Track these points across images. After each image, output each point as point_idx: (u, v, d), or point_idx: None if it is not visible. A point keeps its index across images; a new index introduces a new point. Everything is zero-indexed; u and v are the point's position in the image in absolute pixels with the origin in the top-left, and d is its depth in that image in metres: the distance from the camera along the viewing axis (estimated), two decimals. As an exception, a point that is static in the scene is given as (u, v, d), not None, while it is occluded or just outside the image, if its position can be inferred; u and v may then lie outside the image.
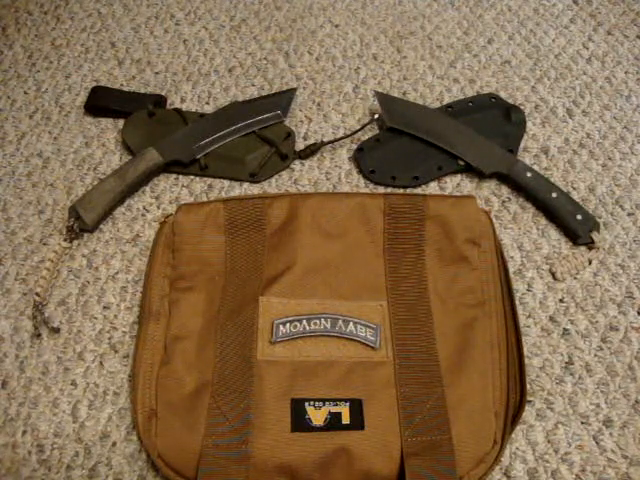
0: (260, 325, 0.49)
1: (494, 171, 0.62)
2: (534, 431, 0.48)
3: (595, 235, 0.57)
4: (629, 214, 0.60)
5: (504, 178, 0.62)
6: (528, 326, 0.54)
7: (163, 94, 0.71)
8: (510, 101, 0.69)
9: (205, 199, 0.63)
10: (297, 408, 0.45)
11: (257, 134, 0.65)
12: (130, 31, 0.79)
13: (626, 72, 0.72)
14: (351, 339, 0.48)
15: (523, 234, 0.59)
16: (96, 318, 0.55)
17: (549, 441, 0.48)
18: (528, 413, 0.49)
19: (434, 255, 0.53)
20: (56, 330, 0.54)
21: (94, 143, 0.68)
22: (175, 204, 0.62)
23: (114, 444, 0.48)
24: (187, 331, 0.50)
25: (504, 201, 0.62)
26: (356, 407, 0.45)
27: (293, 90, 0.69)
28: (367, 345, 0.48)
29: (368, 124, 0.65)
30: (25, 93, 0.73)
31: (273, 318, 0.49)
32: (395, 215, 0.53)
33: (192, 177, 0.64)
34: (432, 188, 0.63)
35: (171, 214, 0.56)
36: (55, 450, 0.48)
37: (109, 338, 0.54)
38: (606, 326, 0.53)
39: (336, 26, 0.78)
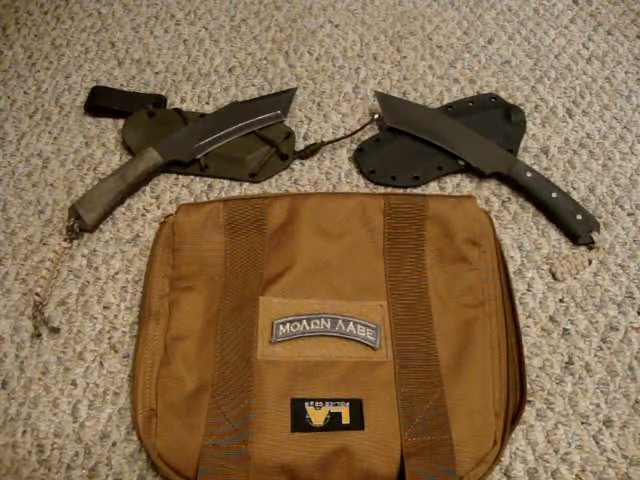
0: (260, 325, 0.48)
1: (494, 171, 0.62)
2: (534, 431, 0.48)
3: (595, 235, 0.57)
4: (629, 214, 0.60)
5: (504, 178, 0.62)
6: (528, 326, 0.54)
7: (163, 94, 0.71)
8: (510, 101, 0.69)
9: (205, 199, 0.62)
10: (297, 408, 0.45)
11: (257, 134, 0.65)
12: (130, 31, 0.79)
13: (626, 72, 0.72)
14: (351, 339, 0.48)
15: (523, 234, 0.59)
16: (96, 318, 0.55)
17: (549, 441, 0.48)
18: (528, 413, 0.49)
19: (434, 255, 0.53)
20: (56, 330, 0.54)
21: (94, 143, 0.68)
22: (175, 204, 0.62)
23: (114, 444, 0.48)
24: (187, 331, 0.50)
25: (504, 201, 0.62)
26: (356, 407, 0.45)
27: (293, 90, 0.69)
28: (367, 345, 0.48)
29: (368, 124, 0.65)
30: (25, 93, 0.73)
31: (273, 318, 0.49)
32: (395, 215, 0.53)
33: (192, 177, 0.64)
34: (432, 188, 0.63)
35: (171, 214, 0.56)
36: (55, 450, 0.48)
37: (109, 338, 0.54)
38: (606, 326, 0.53)
39: (336, 26, 0.78)
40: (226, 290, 0.51)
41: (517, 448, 0.48)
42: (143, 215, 0.62)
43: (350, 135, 0.65)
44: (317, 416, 0.45)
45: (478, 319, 0.50)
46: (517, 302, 0.55)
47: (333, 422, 0.45)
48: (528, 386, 0.50)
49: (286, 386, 0.46)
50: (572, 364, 0.51)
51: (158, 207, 0.62)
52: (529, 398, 0.50)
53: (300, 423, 0.45)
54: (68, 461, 0.48)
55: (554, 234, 0.59)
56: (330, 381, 0.47)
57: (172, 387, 0.47)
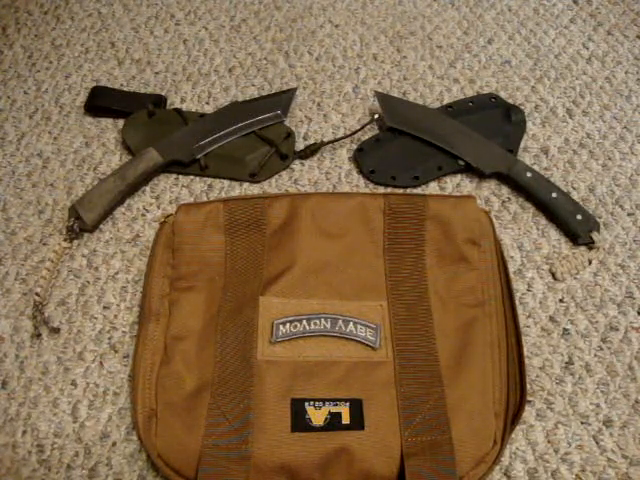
0: (260, 325, 0.49)
1: (494, 171, 0.62)
2: (534, 431, 0.48)
3: (595, 235, 0.57)
4: (629, 214, 0.60)
5: (504, 178, 0.62)
6: (528, 326, 0.54)
7: (163, 94, 0.71)
8: (510, 101, 0.69)
9: (205, 199, 0.63)
10: (297, 408, 0.45)
11: (257, 134, 0.65)
12: (130, 31, 0.79)
13: (626, 72, 0.72)
14: (351, 339, 0.48)
15: (523, 234, 0.59)
16: (96, 318, 0.55)
17: (549, 441, 0.48)
18: (528, 413, 0.49)
19: (434, 255, 0.53)
20: (56, 330, 0.54)
21: (94, 143, 0.68)
22: (175, 204, 0.62)
23: (114, 444, 0.48)
24: (187, 331, 0.50)
25: (504, 201, 0.62)
26: (356, 407, 0.45)
27: (293, 90, 0.69)
28: (367, 345, 0.48)
29: (368, 124, 0.65)
30: (25, 93, 0.73)
31: (273, 318, 0.49)
32: (395, 215, 0.53)
33: (192, 177, 0.64)
34: (432, 188, 0.63)
35: (171, 214, 0.56)
36: (55, 450, 0.48)
37: (109, 338, 0.54)
38: (606, 326, 0.53)
39: (336, 26, 0.78)
40: (226, 290, 0.51)
41: (517, 448, 0.48)
42: (143, 215, 0.61)
43: (350, 135, 0.65)
44: (317, 416, 0.45)
45: (478, 319, 0.50)
46: (517, 302, 0.55)
47: (333, 422, 0.45)
48: (528, 386, 0.50)
49: (286, 386, 0.46)
50: (572, 364, 0.51)
51: (158, 207, 0.62)
52: (529, 398, 0.50)
53: (300, 423, 0.45)
54: (68, 461, 0.48)
55: (554, 234, 0.59)
56: (330, 381, 0.47)
57: (172, 387, 0.47)
